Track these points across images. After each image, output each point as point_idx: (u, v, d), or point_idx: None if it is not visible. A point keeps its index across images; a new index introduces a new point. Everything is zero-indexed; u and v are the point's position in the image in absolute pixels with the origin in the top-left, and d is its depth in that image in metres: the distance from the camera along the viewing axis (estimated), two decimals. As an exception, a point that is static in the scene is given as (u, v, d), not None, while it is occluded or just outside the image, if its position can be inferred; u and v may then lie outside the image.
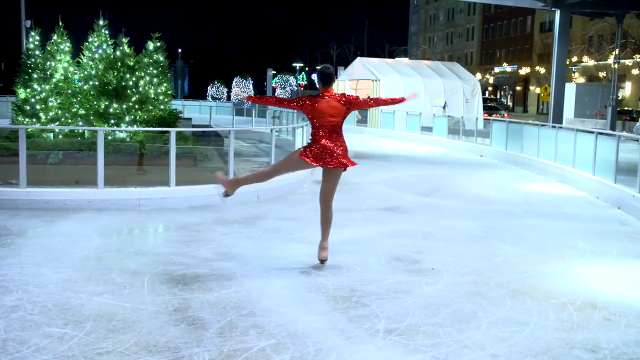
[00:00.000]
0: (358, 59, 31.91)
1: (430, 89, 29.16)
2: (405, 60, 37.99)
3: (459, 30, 75.58)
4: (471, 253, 6.42)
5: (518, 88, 64.38)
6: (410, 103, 28.72)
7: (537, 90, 51.29)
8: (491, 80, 67.33)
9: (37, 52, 11.61)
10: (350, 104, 5.68)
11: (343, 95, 5.75)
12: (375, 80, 28.65)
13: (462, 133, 19.80)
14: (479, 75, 60.71)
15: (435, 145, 20.11)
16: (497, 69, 67.19)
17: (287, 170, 6.30)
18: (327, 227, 5.79)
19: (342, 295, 4.90)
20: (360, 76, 30.83)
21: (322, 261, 5.72)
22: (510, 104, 63.79)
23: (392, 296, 4.90)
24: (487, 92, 63.62)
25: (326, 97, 5.64)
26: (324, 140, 5.59)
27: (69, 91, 11.56)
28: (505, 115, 37.52)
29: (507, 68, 65.09)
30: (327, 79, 5.71)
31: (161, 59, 12.29)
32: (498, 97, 65.66)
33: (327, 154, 5.58)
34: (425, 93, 28.91)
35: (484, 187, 11.50)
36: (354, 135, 24.78)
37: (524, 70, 60.31)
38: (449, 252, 6.40)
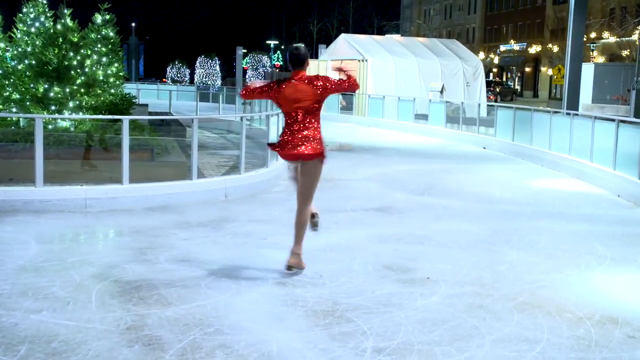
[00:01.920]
0: (342, 35, 31.94)
1: (426, 71, 29.30)
2: (396, 37, 38.11)
3: (459, 2, 76.03)
4: (472, 260, 6.46)
5: (527, 69, 64.97)
6: (402, 87, 28.78)
7: (550, 72, 51.74)
8: (496, 60, 67.88)
9: (-40, 26, 11.44)
10: (325, 88, 5.73)
11: (317, 77, 5.79)
12: (362, 61, 28.70)
13: (462, 121, 19.94)
14: (482, 55, 61.19)
15: (431, 136, 20.21)
16: (503, 47, 67.73)
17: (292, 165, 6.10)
18: (299, 231, 5.78)
19: (324, 309, 4.91)
20: (344, 56, 30.83)
21: (290, 267, 5.73)
22: (518, 87, 64.37)
23: (381, 310, 4.92)
24: (491, 74, 64.15)
25: (293, 81, 5.70)
26: (289, 129, 5.67)
27: (0, 72, 11.39)
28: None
29: (515, 46, 65.63)
30: (297, 61, 5.76)
31: (111, 34, 12.17)
32: (504, 79, 66.20)
33: (292, 143, 5.63)
34: (420, 75, 29.06)
35: (487, 184, 11.59)
36: (337, 125, 24.86)
37: (534, 49, 60.88)
38: (446, 259, 6.44)
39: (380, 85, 28.00)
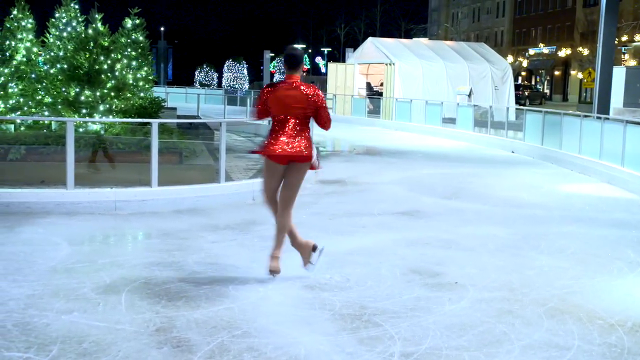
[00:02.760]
0: (369, 39, 31.91)
1: (454, 74, 29.15)
2: (424, 40, 37.97)
3: (488, 5, 75.54)
4: (501, 265, 6.41)
5: (556, 73, 64.31)
6: (430, 91, 28.79)
7: (580, 75, 51.17)
8: (525, 63, 67.28)
9: (-7, 30, 11.64)
10: (317, 104, 5.55)
11: (310, 87, 5.60)
12: (390, 64, 28.65)
13: (490, 125, 19.79)
14: (510, 58, 60.68)
15: (459, 140, 20.10)
16: (532, 51, 67.12)
17: (270, 187, 5.82)
18: (279, 235, 5.69)
19: (351, 313, 4.90)
20: (371, 59, 30.83)
21: (272, 272, 5.61)
22: (547, 91, 63.74)
23: (409, 314, 4.90)
24: (519, 78, 63.60)
25: (287, 83, 5.56)
26: (280, 132, 5.51)
27: (33, 76, 11.57)
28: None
29: (544, 49, 65.02)
30: (292, 62, 5.61)
31: (141, 38, 12.32)
32: (533, 83, 65.60)
33: (283, 144, 5.48)
34: (448, 79, 28.92)
35: (515, 188, 11.48)
36: (364, 128, 24.88)
37: (564, 52, 60.23)
38: (474, 264, 6.40)
39: (408, 89, 27.94)
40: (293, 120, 5.52)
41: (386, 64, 28.97)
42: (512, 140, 17.98)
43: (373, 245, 7.06)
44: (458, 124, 21.20)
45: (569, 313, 5.03)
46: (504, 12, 72.80)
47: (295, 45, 5.82)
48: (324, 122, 5.72)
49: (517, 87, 41.90)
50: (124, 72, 11.44)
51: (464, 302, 5.25)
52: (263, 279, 5.64)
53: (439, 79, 28.82)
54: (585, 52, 53.82)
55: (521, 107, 24.65)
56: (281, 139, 5.51)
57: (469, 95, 26.74)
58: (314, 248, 5.82)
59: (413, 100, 24.42)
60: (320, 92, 5.67)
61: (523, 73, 67.46)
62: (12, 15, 11.84)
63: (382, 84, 31.01)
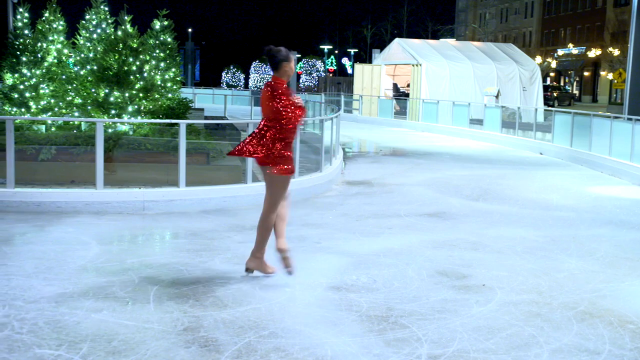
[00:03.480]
0: (396, 40, 31.83)
1: (481, 75, 28.97)
2: (451, 41, 37.77)
3: (516, 5, 74.89)
4: (529, 268, 6.35)
5: (586, 73, 63.55)
6: (457, 92, 28.63)
7: (610, 76, 50.53)
8: (553, 64, 66.57)
9: (26, 32, 11.80)
10: (277, 102, 5.43)
11: (281, 88, 5.47)
12: (416, 65, 28.56)
13: (518, 127, 19.65)
14: (538, 59, 60.08)
15: (486, 141, 19.98)
16: (560, 51, 66.39)
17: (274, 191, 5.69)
18: (260, 237, 5.65)
19: (378, 314, 4.89)
20: (398, 60, 30.75)
21: (248, 270, 5.68)
22: (576, 92, 63.03)
23: (436, 316, 4.88)
24: (548, 79, 62.97)
25: (269, 85, 5.55)
26: (254, 136, 5.53)
27: (63, 77, 11.72)
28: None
29: (573, 50, 64.27)
30: (271, 62, 5.53)
31: (169, 40, 12.42)
32: (562, 84, 64.91)
33: (241, 144, 5.51)
34: (475, 80, 28.74)
35: (544, 190, 11.38)
36: (390, 129, 24.83)
37: (594, 53, 59.49)
38: (502, 266, 6.35)
39: (435, 90, 27.82)
40: (263, 121, 5.54)
41: (413, 65, 28.88)
42: (540, 142, 17.82)
43: (400, 246, 7.04)
44: (485, 125, 21.07)
45: (599, 317, 4.97)
46: (532, 13, 72.13)
47: (276, 47, 5.57)
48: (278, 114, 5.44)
49: (545, 88, 41.54)
50: (152, 73, 11.54)
51: (491, 304, 5.21)
52: (290, 279, 5.65)
53: (466, 80, 28.65)
54: (616, 52, 53.08)
55: (550, 108, 24.41)
56: (249, 140, 5.53)
57: (497, 97, 26.55)
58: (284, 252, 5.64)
59: (440, 102, 24.32)
60: (284, 92, 5.44)
61: (551, 74, 66.79)
62: (43, 18, 12.00)
63: (408, 85, 30.92)
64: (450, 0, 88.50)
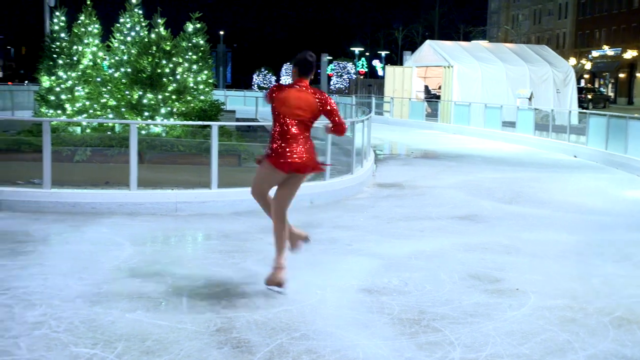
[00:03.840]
0: (427, 42, 31.69)
1: (514, 77, 28.68)
2: (483, 43, 37.50)
3: (549, 6, 74.04)
4: (564, 272, 6.28)
5: (621, 75, 62.56)
6: (489, 94, 28.40)
7: (645, 78, 49.68)
8: (588, 66, 65.67)
9: (62, 35, 11.98)
10: (323, 106, 5.37)
11: (320, 92, 5.45)
12: (448, 67, 28.39)
13: (551, 129, 19.42)
14: (573, 61, 59.38)
15: (519, 144, 19.77)
16: (595, 53, 65.46)
17: (262, 187, 5.62)
18: (282, 243, 5.54)
19: (410, 317, 4.88)
20: (429, 62, 30.60)
21: (279, 285, 5.35)
22: (611, 94, 62.09)
23: (468, 320, 4.85)
24: (582, 81, 62.12)
25: (297, 87, 5.40)
26: (283, 138, 5.31)
27: (98, 79, 11.89)
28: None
29: (608, 51, 63.32)
30: (308, 67, 5.43)
31: (201, 42, 12.51)
32: (596, 86, 64.00)
33: (283, 154, 5.29)
34: (508, 82, 28.46)
35: (578, 193, 11.22)
36: (422, 132, 24.70)
37: (630, 54, 58.57)
38: (536, 270, 6.28)
39: (466, 92, 27.62)
40: (296, 125, 5.31)
41: (444, 67, 28.71)
42: (574, 145, 17.59)
43: (431, 249, 7.01)
44: (518, 127, 20.86)
45: (636, 323, 4.89)
46: (566, 14, 71.25)
47: (310, 52, 5.53)
48: (338, 127, 5.55)
49: (579, 90, 40.96)
50: (184, 76, 11.65)
51: (525, 309, 5.15)
52: (321, 281, 5.66)
53: (499, 82, 28.40)
54: (653, 53, 52.23)
55: (584, 110, 24.08)
56: (289, 148, 5.28)
57: (530, 99, 26.28)
58: (305, 238, 5.79)
59: (472, 104, 24.14)
60: (330, 98, 5.47)
61: (586, 76, 65.88)
62: (79, 21, 12.18)
63: (440, 87, 30.76)
64: (483, 1, 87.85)
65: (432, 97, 31.31)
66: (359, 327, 4.67)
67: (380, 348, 4.31)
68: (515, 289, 5.66)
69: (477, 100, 25.37)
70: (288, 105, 5.33)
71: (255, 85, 59.94)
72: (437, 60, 29.51)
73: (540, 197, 10.65)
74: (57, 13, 12.24)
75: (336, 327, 4.65)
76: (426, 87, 32.90)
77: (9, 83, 51.71)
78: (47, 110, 11.74)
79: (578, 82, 49.27)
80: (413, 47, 47.06)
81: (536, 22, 76.65)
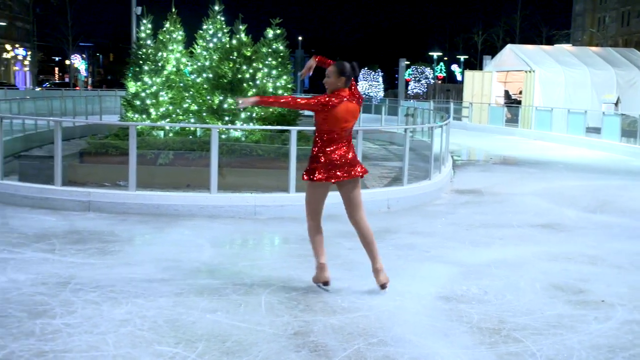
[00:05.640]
0: (508, 46, 31.10)
1: (599, 82, 27.77)
2: (567, 47, 36.47)
3: (638, 8, 71.28)
4: (653, 284, 6.02)
5: None
6: (572, 99, 27.49)
7: None
8: (679, 69, 62.90)
9: (148, 42, 12.35)
10: (360, 102, 5.61)
11: (356, 90, 5.59)
12: (530, 72, 27.75)
13: (639, 136, 18.69)
14: (662, 64, 56.92)
15: (604, 150, 19.13)
16: (687, 56, 62.66)
17: (315, 204, 5.74)
18: (372, 248, 5.59)
19: (489, 327, 4.78)
20: (510, 67, 30.01)
21: (383, 286, 5.51)
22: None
23: (551, 332, 4.71)
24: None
25: (345, 100, 5.45)
26: (330, 149, 5.46)
27: (181, 85, 12.18)
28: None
29: (702, 54, 60.50)
30: (351, 79, 5.52)
31: (281, 48, 12.63)
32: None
33: (336, 165, 5.45)
34: (593, 87, 27.60)
35: (669, 202, 10.76)
36: (501, 137, 24.24)
37: None
38: (623, 282, 6.05)
39: (548, 97, 26.95)
40: (345, 133, 5.49)
41: (526, 72, 28.09)
42: (664, 152, 16.88)
43: (511, 257, 6.86)
44: (603, 133, 20.20)
45: None
46: (655, 15, 68.43)
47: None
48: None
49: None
50: (264, 81, 11.80)
51: (611, 322, 4.97)
52: (399, 287, 5.63)
53: (583, 87, 27.57)
54: None
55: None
56: (341, 161, 5.46)
57: (616, 104, 25.37)
58: (325, 283, 5.59)
59: (554, 109, 23.52)
60: (357, 89, 5.64)
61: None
62: (164, 28, 12.53)
63: (520, 92, 30.10)
64: (567, 4, 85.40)
65: (512, 102, 30.67)
66: (437, 335, 4.62)
67: (459, 357, 4.24)
68: (601, 300, 5.47)
69: (560, 106, 24.72)
70: (339, 119, 5.45)
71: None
72: (518, 65, 28.91)
73: (627, 206, 10.26)
74: (144, 21, 12.62)
75: (414, 334, 4.61)
76: (506, 92, 32.27)
77: (104, 87, 53.69)
78: (133, 115, 12.10)
79: (668, 87, 47.19)
80: (493, 52, 46.21)
81: (624, 25, 73.93)
